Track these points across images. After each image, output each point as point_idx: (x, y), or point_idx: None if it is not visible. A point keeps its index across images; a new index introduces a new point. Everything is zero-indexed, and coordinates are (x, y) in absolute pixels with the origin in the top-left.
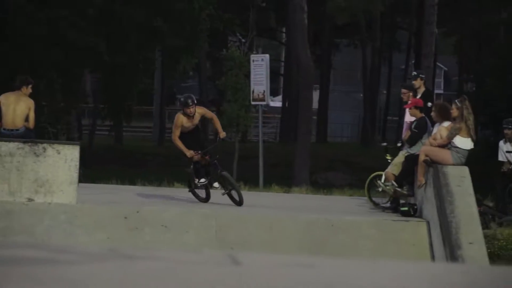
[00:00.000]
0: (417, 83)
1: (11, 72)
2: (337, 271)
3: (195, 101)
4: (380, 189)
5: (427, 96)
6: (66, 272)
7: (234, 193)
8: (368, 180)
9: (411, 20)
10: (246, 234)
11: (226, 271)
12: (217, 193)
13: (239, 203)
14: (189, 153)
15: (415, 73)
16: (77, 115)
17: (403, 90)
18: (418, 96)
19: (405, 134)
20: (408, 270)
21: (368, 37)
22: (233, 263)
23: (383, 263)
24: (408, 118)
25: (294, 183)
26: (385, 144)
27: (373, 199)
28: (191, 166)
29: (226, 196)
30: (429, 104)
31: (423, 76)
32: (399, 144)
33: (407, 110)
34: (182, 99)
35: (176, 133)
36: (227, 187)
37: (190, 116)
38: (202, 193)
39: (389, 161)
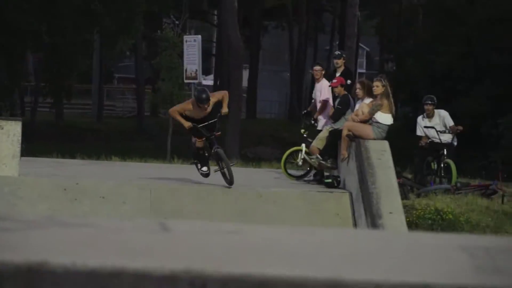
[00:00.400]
0: (340, 62)
1: None
2: (262, 236)
3: (209, 97)
4: (300, 163)
5: (346, 74)
6: (3, 238)
7: (226, 171)
8: (285, 155)
9: (336, 3)
10: (180, 205)
11: (155, 237)
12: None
13: (230, 182)
14: (187, 124)
15: (338, 52)
16: (20, 93)
17: (316, 68)
18: (338, 74)
19: (328, 110)
20: (331, 236)
21: (295, 20)
22: (163, 230)
23: (307, 229)
24: (324, 96)
25: None
26: (304, 112)
27: (289, 171)
28: (196, 151)
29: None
30: (349, 81)
31: (345, 55)
32: (312, 121)
33: (318, 87)
34: (196, 94)
35: (177, 109)
36: (221, 165)
37: (202, 109)
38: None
39: (304, 136)
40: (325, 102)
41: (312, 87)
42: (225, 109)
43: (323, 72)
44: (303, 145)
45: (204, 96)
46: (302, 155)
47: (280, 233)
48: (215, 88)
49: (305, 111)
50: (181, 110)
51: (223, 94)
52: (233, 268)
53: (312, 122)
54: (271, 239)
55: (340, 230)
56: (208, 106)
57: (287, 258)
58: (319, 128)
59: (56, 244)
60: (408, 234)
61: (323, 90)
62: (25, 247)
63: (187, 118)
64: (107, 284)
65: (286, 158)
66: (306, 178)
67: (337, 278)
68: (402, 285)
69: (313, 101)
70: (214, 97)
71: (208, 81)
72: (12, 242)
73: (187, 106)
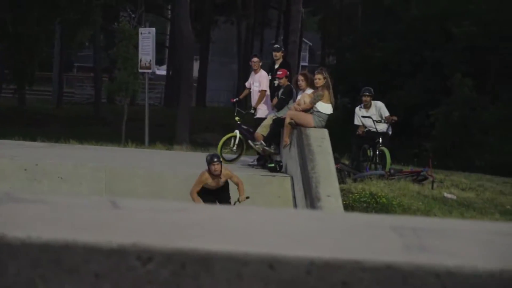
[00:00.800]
0: (278, 54)
1: None
2: (207, 214)
3: (221, 160)
4: (234, 148)
5: (284, 66)
6: None
7: None
8: (221, 141)
9: (281, 0)
10: (132, 186)
11: (106, 213)
12: None
13: None
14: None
15: (277, 46)
16: None
17: (254, 59)
18: (276, 66)
19: (273, 101)
20: (271, 215)
21: (243, 15)
22: (113, 207)
23: (249, 208)
24: (264, 86)
25: (176, 142)
26: (236, 100)
27: (226, 156)
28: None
29: None
30: (278, 74)
31: (283, 49)
32: (252, 111)
33: (256, 77)
34: (208, 157)
35: (195, 189)
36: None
37: (215, 176)
38: None
39: (238, 122)
40: (264, 92)
41: (246, 78)
42: (242, 198)
43: (261, 64)
44: (237, 131)
45: (215, 158)
46: (236, 140)
47: (223, 211)
48: (167, 77)
49: (236, 99)
50: (198, 186)
51: (239, 181)
52: (178, 243)
53: (252, 111)
54: (215, 216)
55: (280, 209)
56: (220, 172)
57: (229, 235)
58: (260, 116)
59: (12, 219)
60: (344, 214)
61: (262, 80)
62: None
63: (203, 190)
64: (59, 256)
65: (223, 144)
66: (250, 163)
67: (275, 254)
68: (334, 261)
69: (246, 90)
70: (231, 174)
71: (161, 71)
72: None
73: (202, 177)
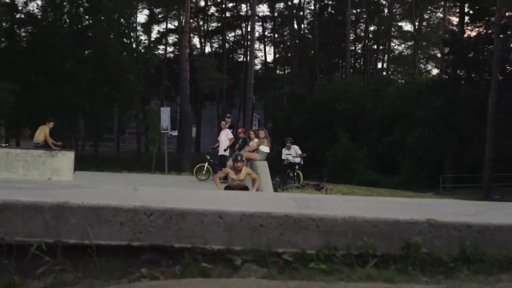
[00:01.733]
0: (229, 120)
1: None
2: (188, 192)
3: (243, 159)
4: (203, 172)
5: (232, 127)
6: None
7: None
8: (196, 168)
9: (240, 91)
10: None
11: (128, 192)
12: None
13: None
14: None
15: (228, 115)
16: (75, 139)
17: (222, 122)
18: (228, 126)
19: (236, 146)
20: (228, 192)
21: (220, 101)
22: (134, 190)
23: (216, 191)
24: (223, 138)
25: (183, 171)
26: (212, 148)
27: (199, 177)
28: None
29: None
30: (239, 131)
31: (231, 118)
32: (211, 148)
33: (224, 132)
34: (233, 156)
35: (219, 175)
36: None
37: (237, 170)
38: None
39: (207, 157)
40: (229, 140)
41: (218, 134)
42: (253, 190)
43: (224, 124)
44: (207, 163)
45: (239, 157)
46: (205, 168)
47: (198, 191)
48: (178, 137)
49: (212, 147)
50: (222, 174)
51: (256, 178)
52: (167, 205)
53: (211, 148)
54: (192, 193)
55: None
56: (241, 168)
57: (197, 201)
58: (221, 153)
59: (75, 195)
60: (271, 194)
61: (228, 135)
62: None
63: (227, 182)
64: (99, 212)
65: (197, 169)
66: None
67: (222, 210)
68: (256, 213)
69: (218, 140)
70: (251, 171)
71: (175, 133)
72: None
73: (226, 170)
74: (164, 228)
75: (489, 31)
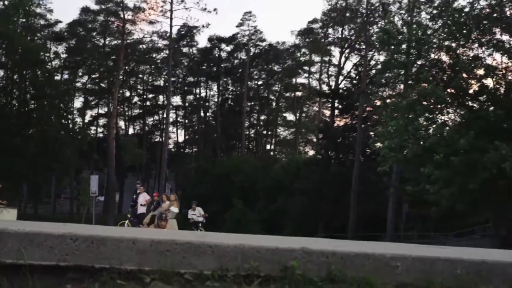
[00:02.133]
0: (143, 187)
1: None
2: (99, 229)
3: (167, 219)
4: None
5: (147, 192)
6: None
7: None
8: (118, 224)
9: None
10: None
11: (59, 225)
12: None
13: None
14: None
15: (139, 182)
16: (18, 201)
17: (139, 186)
18: (144, 190)
19: (151, 207)
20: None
21: (140, 173)
22: (64, 225)
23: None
24: (141, 200)
25: None
26: (131, 209)
27: None
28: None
29: None
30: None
31: (142, 186)
32: (142, 210)
33: (142, 196)
34: (158, 215)
35: (146, 222)
36: None
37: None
38: None
39: (128, 216)
40: (147, 203)
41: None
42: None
43: (142, 189)
44: (127, 220)
45: (163, 216)
46: (126, 224)
47: (114, 229)
48: (104, 201)
49: (130, 209)
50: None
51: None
52: (91, 233)
53: (130, 209)
54: (110, 229)
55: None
56: (164, 227)
57: (109, 231)
58: (140, 212)
59: (14, 223)
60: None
61: (145, 197)
62: None
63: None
64: (33, 238)
65: (119, 225)
66: None
67: (135, 237)
68: (163, 240)
69: (135, 202)
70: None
71: (101, 198)
72: None
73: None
74: (87, 251)
75: (354, 122)
